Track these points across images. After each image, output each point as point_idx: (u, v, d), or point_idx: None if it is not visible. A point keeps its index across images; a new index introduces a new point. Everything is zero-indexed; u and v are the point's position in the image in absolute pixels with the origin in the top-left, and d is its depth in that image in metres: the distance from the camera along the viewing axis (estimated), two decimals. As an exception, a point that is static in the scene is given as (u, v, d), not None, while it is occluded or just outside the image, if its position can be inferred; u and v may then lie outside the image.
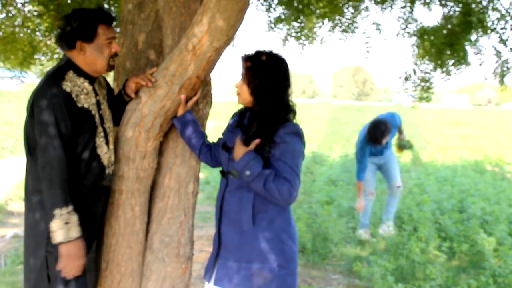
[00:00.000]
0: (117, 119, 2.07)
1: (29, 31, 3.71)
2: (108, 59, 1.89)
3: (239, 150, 1.80)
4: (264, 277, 1.81)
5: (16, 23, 3.66)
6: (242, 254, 1.83)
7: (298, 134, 1.82)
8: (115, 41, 1.91)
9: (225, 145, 1.94)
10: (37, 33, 3.79)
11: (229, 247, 1.87)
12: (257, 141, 1.79)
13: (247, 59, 1.86)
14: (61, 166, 1.74)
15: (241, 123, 1.95)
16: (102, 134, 1.92)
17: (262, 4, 3.68)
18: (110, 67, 1.93)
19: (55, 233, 1.74)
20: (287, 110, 1.86)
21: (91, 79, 1.91)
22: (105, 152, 1.92)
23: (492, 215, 5.27)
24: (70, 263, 1.77)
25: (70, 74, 1.85)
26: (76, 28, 1.82)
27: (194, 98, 2.04)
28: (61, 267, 1.78)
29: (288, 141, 1.78)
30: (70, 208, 1.75)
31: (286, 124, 1.81)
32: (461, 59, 3.37)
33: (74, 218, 1.76)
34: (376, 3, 3.66)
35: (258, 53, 1.85)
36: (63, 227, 1.73)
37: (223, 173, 1.94)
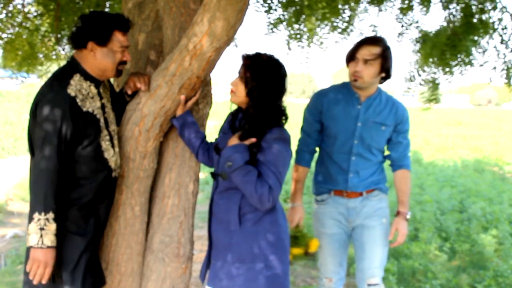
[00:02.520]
0: (119, 119, 2.06)
1: (29, 31, 3.70)
2: (117, 65, 1.88)
3: (232, 142, 1.81)
4: (256, 275, 1.81)
5: (15, 24, 3.65)
6: (231, 254, 1.84)
7: (284, 140, 1.81)
8: (127, 50, 1.89)
9: (216, 147, 1.94)
10: (37, 34, 3.79)
11: (219, 248, 1.88)
12: (253, 139, 1.78)
13: (247, 58, 1.85)
14: (52, 175, 1.72)
15: (233, 124, 1.95)
16: (107, 137, 1.91)
17: (262, 6, 3.67)
18: (118, 73, 1.92)
19: (29, 236, 1.72)
20: (279, 115, 1.85)
21: (97, 83, 1.90)
22: (111, 155, 1.92)
23: (492, 215, 5.27)
24: (35, 268, 1.73)
25: (77, 77, 1.83)
26: (91, 29, 1.80)
27: (194, 98, 2.04)
28: (28, 269, 1.75)
29: (274, 147, 1.77)
30: (50, 215, 1.71)
31: (273, 129, 1.80)
32: (465, 58, 3.36)
33: (52, 227, 1.72)
34: (373, 3, 3.66)
35: (259, 55, 1.85)
36: (38, 232, 1.71)
37: (214, 175, 1.94)
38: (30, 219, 1.72)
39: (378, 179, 2.43)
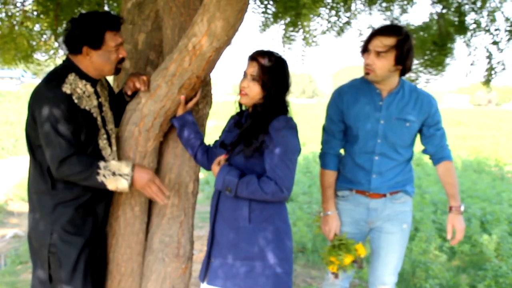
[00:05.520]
0: (118, 120, 2.06)
1: (28, 30, 3.70)
2: (115, 64, 1.88)
3: (214, 169, 1.85)
4: (260, 274, 1.81)
5: (15, 23, 3.65)
6: (238, 251, 1.83)
7: (292, 127, 1.82)
8: (122, 47, 1.88)
9: (223, 144, 1.94)
10: (36, 33, 3.79)
11: (224, 245, 1.87)
12: (223, 156, 1.85)
13: (263, 60, 1.83)
14: (73, 155, 1.74)
15: (240, 122, 1.96)
16: (104, 136, 1.91)
17: (259, 6, 3.67)
18: (116, 71, 1.92)
19: (120, 187, 1.78)
20: (284, 108, 1.88)
21: (93, 82, 1.90)
22: (109, 154, 1.92)
23: (492, 215, 5.28)
24: (150, 190, 1.82)
25: (72, 76, 1.83)
26: (83, 34, 1.79)
27: (194, 100, 2.04)
28: (146, 191, 1.84)
29: (282, 133, 1.78)
30: (101, 164, 1.77)
31: (280, 117, 1.82)
32: (452, 59, 3.38)
33: (111, 165, 1.78)
34: (366, 4, 3.67)
35: (272, 55, 1.85)
36: (116, 179, 1.77)
37: None
38: (98, 184, 1.77)
39: (403, 180, 2.25)
